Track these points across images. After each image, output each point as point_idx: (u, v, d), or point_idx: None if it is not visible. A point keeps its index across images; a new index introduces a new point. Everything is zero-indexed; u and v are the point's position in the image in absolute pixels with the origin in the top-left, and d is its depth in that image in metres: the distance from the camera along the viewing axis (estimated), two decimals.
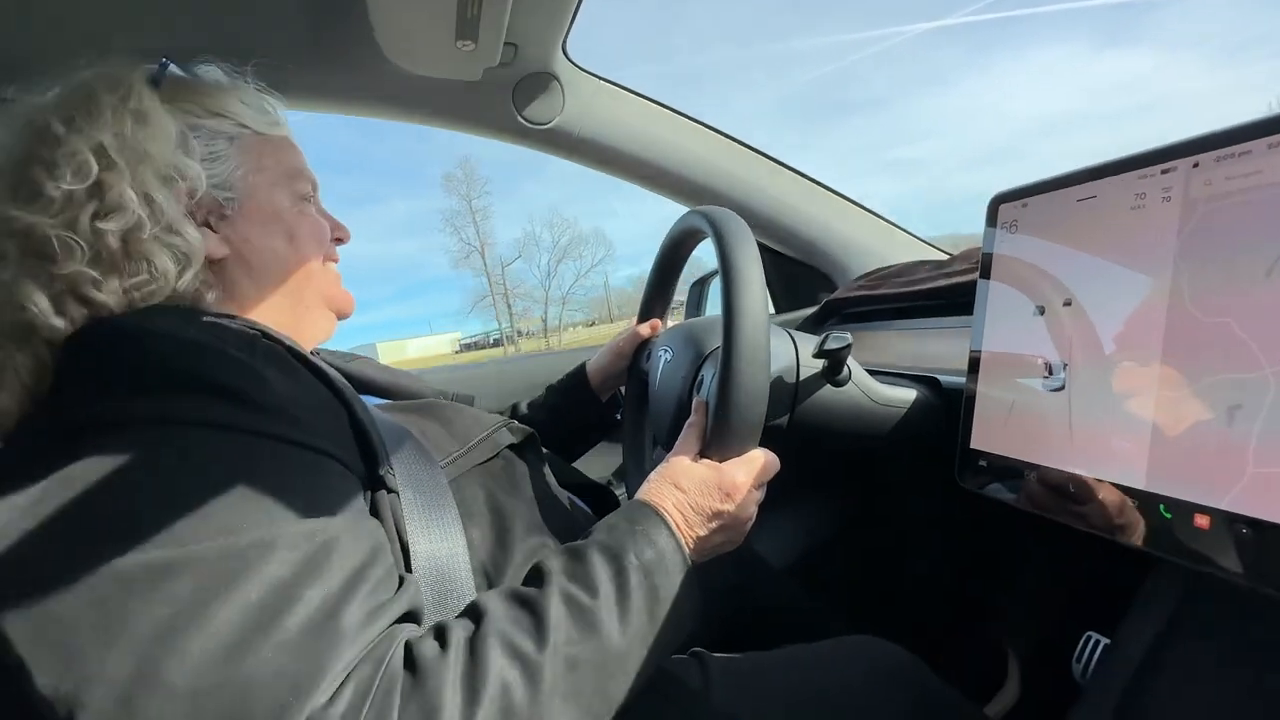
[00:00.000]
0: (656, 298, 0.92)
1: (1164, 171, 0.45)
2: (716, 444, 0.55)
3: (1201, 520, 0.40)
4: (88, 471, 0.36)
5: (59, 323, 0.46)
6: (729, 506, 0.53)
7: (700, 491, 0.53)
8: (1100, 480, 0.47)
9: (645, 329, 0.92)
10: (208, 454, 0.38)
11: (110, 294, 0.48)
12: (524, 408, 0.96)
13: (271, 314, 0.58)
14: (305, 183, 0.63)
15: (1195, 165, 0.43)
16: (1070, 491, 0.49)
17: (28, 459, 0.38)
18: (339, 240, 0.66)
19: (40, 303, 0.46)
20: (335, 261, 0.66)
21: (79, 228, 0.47)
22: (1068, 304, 0.51)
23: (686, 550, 0.50)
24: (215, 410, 0.40)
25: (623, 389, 0.96)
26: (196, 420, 0.39)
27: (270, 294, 0.58)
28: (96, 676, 0.32)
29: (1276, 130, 0.38)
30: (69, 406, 0.41)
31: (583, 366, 0.96)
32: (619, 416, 0.95)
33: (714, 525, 0.53)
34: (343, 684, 0.34)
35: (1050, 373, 0.52)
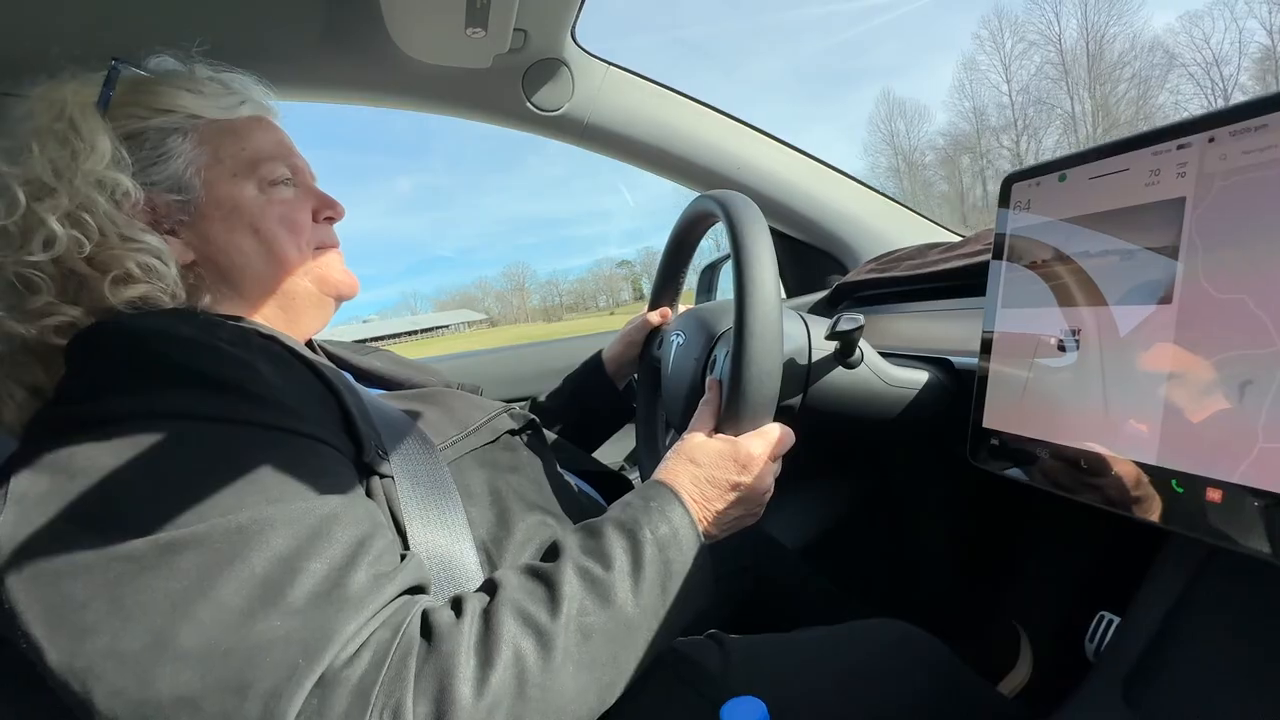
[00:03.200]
0: (667, 285, 0.93)
1: (1180, 147, 0.44)
2: (731, 419, 0.56)
3: (1214, 494, 0.40)
4: (91, 463, 0.38)
5: (54, 341, 0.47)
6: (745, 478, 0.54)
7: (715, 464, 0.54)
8: (1113, 456, 0.47)
9: (655, 317, 0.93)
10: (202, 442, 0.40)
11: (99, 302, 0.49)
12: (543, 398, 0.97)
13: (261, 310, 0.58)
14: (276, 165, 0.59)
15: (1211, 140, 0.42)
16: (1083, 468, 0.49)
17: (33, 454, 0.39)
18: (330, 219, 0.63)
19: (26, 331, 0.47)
20: (332, 245, 0.62)
21: (34, 261, 0.48)
22: (1081, 283, 0.51)
23: (700, 526, 0.50)
24: (208, 402, 0.41)
25: (635, 376, 0.97)
26: (188, 413, 0.41)
27: (251, 291, 0.57)
28: (111, 650, 0.33)
29: None
30: (69, 404, 0.42)
31: (599, 354, 0.97)
32: (635, 405, 0.96)
33: (731, 498, 0.53)
34: (361, 647, 0.35)
35: (1063, 351, 0.52)
